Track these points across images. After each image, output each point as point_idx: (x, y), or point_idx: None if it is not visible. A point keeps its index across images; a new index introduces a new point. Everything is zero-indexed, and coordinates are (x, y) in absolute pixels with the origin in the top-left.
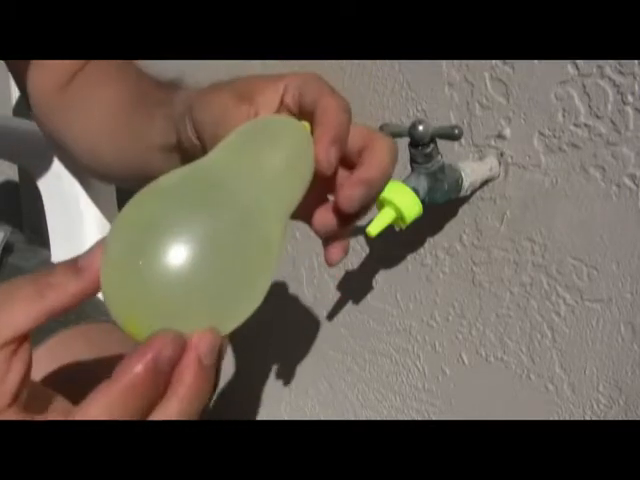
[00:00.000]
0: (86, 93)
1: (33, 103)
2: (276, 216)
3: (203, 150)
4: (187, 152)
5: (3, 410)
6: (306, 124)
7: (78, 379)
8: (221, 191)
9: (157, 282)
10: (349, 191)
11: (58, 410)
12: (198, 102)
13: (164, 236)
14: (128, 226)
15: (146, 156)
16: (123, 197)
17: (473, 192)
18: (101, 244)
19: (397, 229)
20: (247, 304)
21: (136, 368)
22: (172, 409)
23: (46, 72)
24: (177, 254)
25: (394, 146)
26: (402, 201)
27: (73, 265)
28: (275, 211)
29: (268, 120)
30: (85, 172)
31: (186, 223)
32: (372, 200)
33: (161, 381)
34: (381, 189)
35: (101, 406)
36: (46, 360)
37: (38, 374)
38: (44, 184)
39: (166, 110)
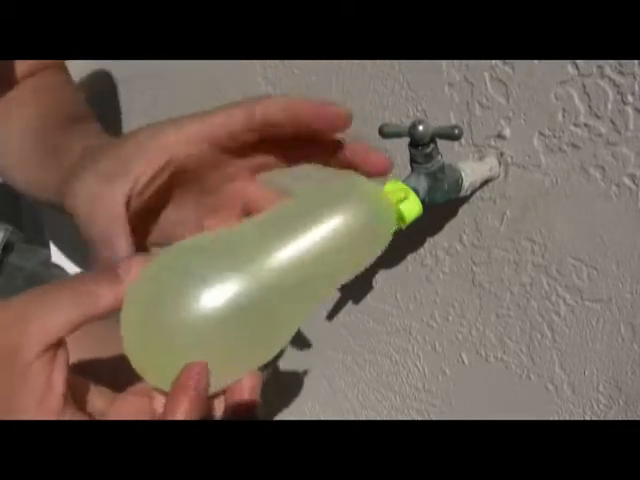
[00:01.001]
0: (13, 105)
1: None
2: (299, 298)
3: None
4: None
5: (60, 412)
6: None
7: (85, 376)
8: (251, 264)
9: (178, 337)
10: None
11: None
12: (68, 190)
13: (190, 297)
14: (155, 280)
15: (46, 190)
16: None
17: (473, 192)
18: (141, 258)
19: (397, 229)
20: (245, 367)
21: (183, 405)
22: None
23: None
24: (200, 315)
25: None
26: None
27: (112, 273)
28: (300, 295)
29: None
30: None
31: (212, 288)
32: None
33: (205, 410)
34: None
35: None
36: None
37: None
38: None
39: (59, 170)
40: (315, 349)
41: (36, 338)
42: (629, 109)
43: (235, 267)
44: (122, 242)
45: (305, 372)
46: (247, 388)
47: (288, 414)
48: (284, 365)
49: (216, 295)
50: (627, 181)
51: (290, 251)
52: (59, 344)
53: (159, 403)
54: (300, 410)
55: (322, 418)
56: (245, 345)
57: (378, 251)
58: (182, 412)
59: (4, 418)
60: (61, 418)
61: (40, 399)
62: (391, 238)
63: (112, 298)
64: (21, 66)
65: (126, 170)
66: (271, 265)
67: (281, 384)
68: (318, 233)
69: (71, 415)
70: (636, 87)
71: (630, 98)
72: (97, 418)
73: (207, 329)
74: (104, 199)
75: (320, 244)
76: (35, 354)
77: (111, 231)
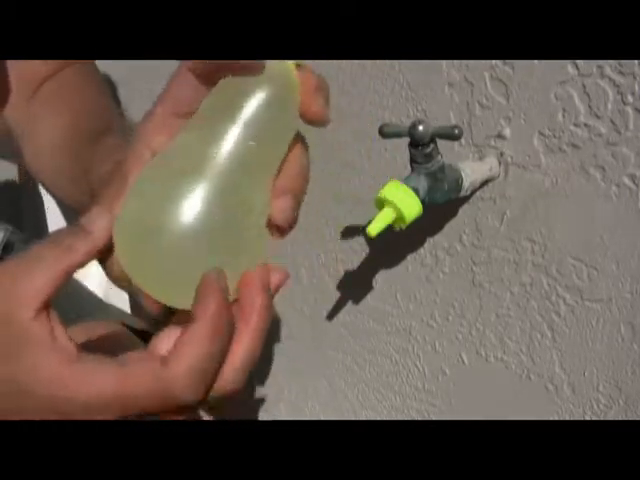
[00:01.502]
0: (38, 112)
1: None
2: (260, 177)
3: None
4: None
5: (76, 358)
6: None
7: None
8: (205, 160)
9: (171, 240)
10: (281, 204)
11: (146, 366)
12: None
13: (171, 203)
14: (138, 197)
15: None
16: None
17: (473, 192)
18: (99, 209)
19: (397, 229)
20: (245, 255)
21: (211, 308)
22: (246, 344)
23: (13, 81)
24: (184, 216)
25: (306, 149)
26: (402, 201)
27: (79, 227)
28: (259, 172)
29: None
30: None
31: (186, 192)
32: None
33: (231, 316)
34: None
35: (194, 352)
36: None
37: None
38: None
39: (109, 144)
40: (315, 349)
41: (29, 298)
42: (629, 109)
43: (195, 167)
44: None
45: (305, 372)
46: (258, 278)
47: (288, 414)
48: (284, 365)
49: (195, 193)
50: (627, 181)
51: (228, 133)
52: (49, 303)
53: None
54: (300, 410)
55: (322, 418)
56: (237, 232)
57: (295, 110)
58: (211, 315)
59: (14, 381)
60: (79, 363)
61: (50, 352)
62: (294, 96)
63: (85, 248)
64: (41, 66)
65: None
66: (221, 152)
67: (281, 384)
68: (242, 110)
69: (89, 360)
70: (636, 87)
71: (630, 98)
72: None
73: (199, 227)
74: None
75: (246, 120)
76: (32, 313)
77: None
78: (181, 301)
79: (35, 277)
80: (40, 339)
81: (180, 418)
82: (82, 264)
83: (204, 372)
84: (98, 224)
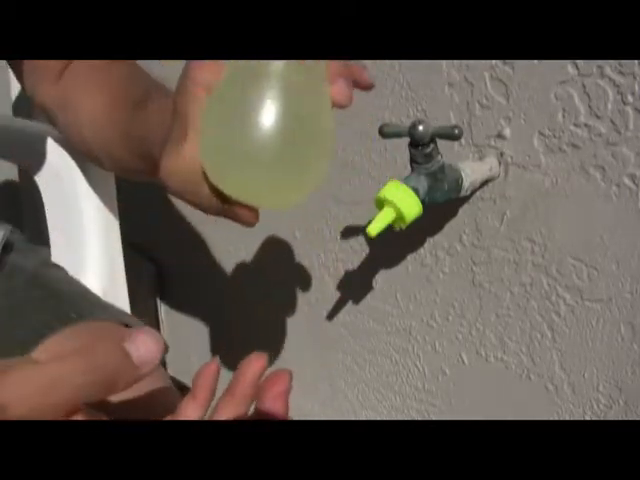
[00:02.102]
0: (74, 94)
1: (32, 99)
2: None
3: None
4: None
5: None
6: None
7: None
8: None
9: (254, 149)
10: (338, 87)
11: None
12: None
13: (247, 118)
14: (214, 124)
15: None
16: (123, 197)
17: (473, 192)
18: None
19: (397, 229)
20: (316, 162)
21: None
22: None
23: (38, 67)
24: (262, 127)
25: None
26: (402, 201)
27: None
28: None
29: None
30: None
31: (256, 107)
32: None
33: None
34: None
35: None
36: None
37: None
38: (44, 184)
39: (146, 140)
40: (315, 349)
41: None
42: (629, 109)
43: (255, 88)
44: None
45: (305, 372)
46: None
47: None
48: (284, 365)
49: (264, 107)
50: (627, 181)
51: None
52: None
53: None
54: (300, 410)
55: (322, 418)
56: (308, 130)
57: None
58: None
59: None
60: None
61: None
62: None
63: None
64: None
65: None
66: (273, 70)
67: None
68: None
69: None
70: (636, 87)
71: (630, 98)
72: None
73: (275, 132)
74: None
75: None
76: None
77: None
78: (273, 201)
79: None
80: None
81: None
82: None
83: None
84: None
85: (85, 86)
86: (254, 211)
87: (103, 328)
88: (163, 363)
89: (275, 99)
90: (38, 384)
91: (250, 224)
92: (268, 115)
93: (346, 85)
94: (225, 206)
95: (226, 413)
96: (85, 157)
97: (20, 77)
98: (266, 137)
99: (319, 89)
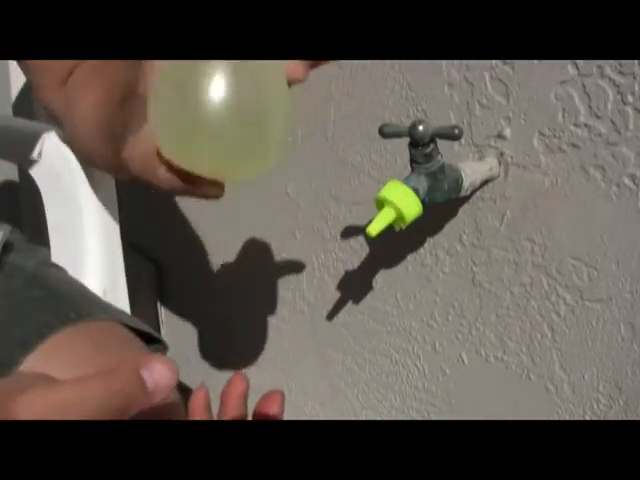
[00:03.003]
0: (69, 103)
1: (42, 103)
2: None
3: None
4: None
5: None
6: None
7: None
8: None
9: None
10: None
11: None
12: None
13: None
14: (168, 86)
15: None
16: (123, 197)
17: (473, 192)
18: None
19: (397, 229)
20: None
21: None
22: None
23: (45, 73)
24: (215, 93)
25: None
26: (402, 201)
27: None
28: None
29: None
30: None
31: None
32: None
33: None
34: None
35: None
36: (52, 357)
37: (43, 371)
38: (44, 184)
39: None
40: (315, 349)
41: None
42: (629, 109)
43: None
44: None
45: (305, 372)
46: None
47: (288, 414)
48: (284, 365)
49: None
50: (627, 181)
51: None
52: None
53: None
54: (300, 410)
55: (322, 418)
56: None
57: None
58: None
59: None
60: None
61: None
62: None
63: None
64: None
65: None
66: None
67: (281, 384)
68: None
69: None
70: (636, 87)
71: (630, 98)
72: None
73: (228, 98)
74: None
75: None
76: None
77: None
78: (227, 171)
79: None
80: None
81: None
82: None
83: None
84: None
85: (83, 87)
86: (217, 184)
87: (104, 329)
88: None
89: (223, 68)
90: (53, 405)
91: (216, 197)
92: (216, 85)
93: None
94: (185, 182)
95: None
96: (83, 160)
97: (30, 80)
98: (215, 106)
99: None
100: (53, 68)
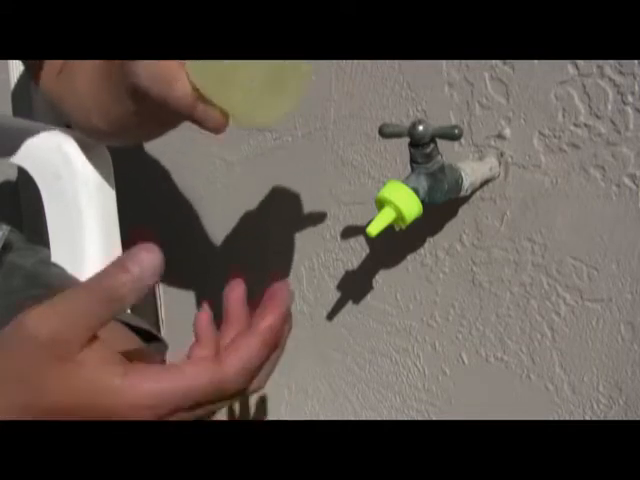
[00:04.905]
0: (68, 79)
1: (38, 78)
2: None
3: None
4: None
5: (125, 370)
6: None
7: None
8: None
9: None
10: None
11: (202, 366)
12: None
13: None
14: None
15: (128, 115)
16: (123, 197)
17: (473, 192)
18: (147, 246)
19: (397, 229)
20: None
21: (269, 320)
22: (281, 350)
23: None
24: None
25: None
26: (402, 201)
27: (120, 265)
28: None
29: None
30: (84, 134)
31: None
32: None
33: (284, 330)
34: None
35: (246, 357)
36: None
37: None
38: (44, 184)
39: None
40: (315, 349)
41: (75, 342)
42: (629, 109)
43: None
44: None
45: (305, 372)
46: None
47: (288, 414)
48: (284, 365)
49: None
50: (627, 181)
51: None
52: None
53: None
54: (300, 410)
55: (322, 418)
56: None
57: None
58: (268, 327)
59: (83, 408)
60: (127, 375)
61: (100, 370)
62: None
63: (127, 288)
64: None
65: None
66: None
67: (281, 384)
68: None
69: (137, 369)
70: (636, 87)
71: (630, 98)
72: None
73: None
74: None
75: None
76: (79, 347)
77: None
78: (245, 111)
79: (75, 327)
80: (86, 363)
81: (224, 404)
82: (126, 303)
83: (251, 372)
84: (140, 260)
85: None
86: (224, 116)
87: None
88: (162, 361)
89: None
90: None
91: (218, 130)
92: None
93: None
94: (199, 104)
95: (229, 335)
96: (94, 136)
97: (28, 70)
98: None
99: None
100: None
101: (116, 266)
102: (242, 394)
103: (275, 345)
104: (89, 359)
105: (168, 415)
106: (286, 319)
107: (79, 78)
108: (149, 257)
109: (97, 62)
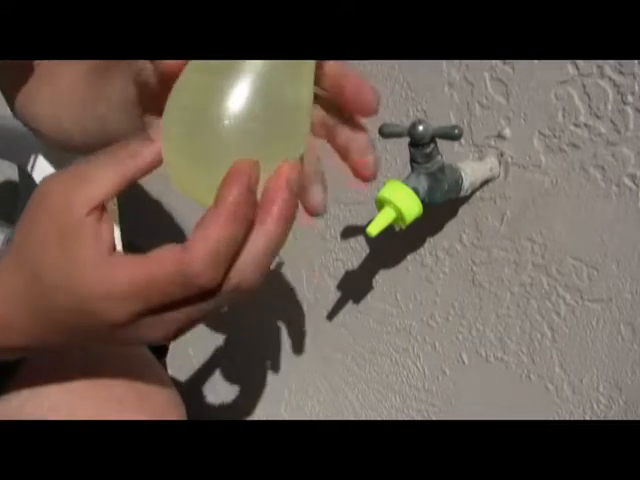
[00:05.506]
0: (49, 79)
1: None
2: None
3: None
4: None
5: (107, 256)
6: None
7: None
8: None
9: (215, 137)
10: (364, 159)
11: (167, 251)
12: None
13: (216, 102)
14: (180, 103)
15: (106, 118)
16: (123, 197)
17: (473, 192)
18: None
19: (397, 229)
20: (290, 147)
21: (233, 193)
22: (267, 233)
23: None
24: (231, 112)
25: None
26: (402, 201)
27: (144, 135)
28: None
29: None
30: (46, 142)
31: (229, 90)
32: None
33: (253, 204)
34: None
35: (212, 235)
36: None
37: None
38: None
39: (124, 65)
40: (315, 349)
41: (84, 199)
42: (629, 109)
43: (235, 69)
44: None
45: (305, 372)
46: (284, 173)
47: (288, 414)
48: (284, 365)
49: (236, 93)
50: (627, 181)
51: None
52: (104, 206)
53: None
54: (300, 410)
55: (322, 418)
56: (276, 133)
57: None
58: (233, 200)
59: (63, 269)
60: (112, 257)
61: (92, 247)
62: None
63: (148, 156)
64: None
65: None
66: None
67: (281, 384)
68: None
69: (121, 255)
70: (636, 87)
71: (630, 98)
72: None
73: (241, 127)
74: None
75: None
76: (86, 210)
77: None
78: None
79: (98, 178)
80: (88, 234)
81: (202, 306)
82: (146, 171)
83: (221, 254)
84: (150, 136)
85: (62, 65)
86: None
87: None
88: (164, 364)
89: (243, 89)
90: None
91: None
92: (232, 106)
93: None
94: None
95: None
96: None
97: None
98: (228, 135)
99: (299, 82)
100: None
101: (141, 136)
102: (219, 288)
103: (248, 223)
104: (85, 236)
105: (140, 314)
106: (287, 199)
107: (64, 78)
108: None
109: (83, 79)
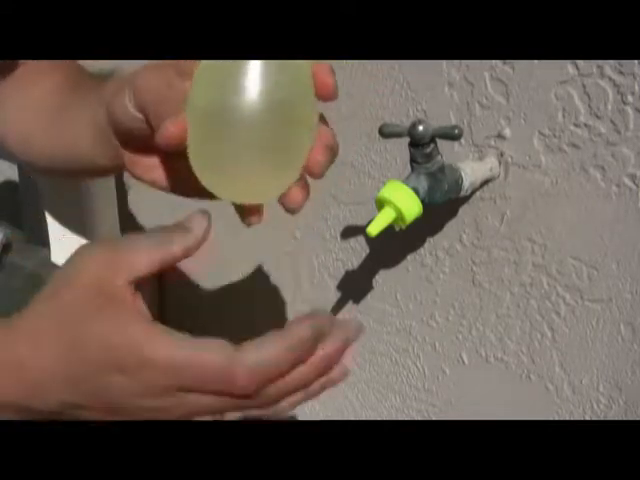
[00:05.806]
0: (21, 85)
1: None
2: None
3: (144, 121)
4: (121, 128)
5: (149, 322)
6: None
7: None
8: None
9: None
10: (318, 157)
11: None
12: (140, 74)
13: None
14: (202, 110)
15: (76, 143)
16: (122, 197)
17: (473, 192)
18: (204, 214)
19: (397, 229)
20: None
21: (304, 331)
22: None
23: None
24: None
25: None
26: (402, 201)
27: (183, 226)
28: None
29: None
30: (16, 160)
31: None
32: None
33: (312, 350)
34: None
35: (266, 353)
36: None
37: None
38: (44, 184)
39: (96, 94)
40: None
41: (126, 270)
42: (629, 109)
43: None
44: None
45: None
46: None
47: (288, 414)
48: None
49: (248, 92)
50: (627, 181)
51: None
52: (142, 281)
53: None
54: (300, 410)
55: (322, 418)
56: (290, 125)
57: None
58: (298, 340)
59: (93, 338)
60: (155, 326)
61: (131, 314)
62: None
63: (183, 245)
64: None
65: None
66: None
67: None
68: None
69: (164, 328)
70: (636, 87)
71: (630, 98)
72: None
73: (256, 123)
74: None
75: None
76: (124, 282)
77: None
78: (252, 196)
79: (136, 255)
80: (124, 302)
81: (227, 403)
82: (178, 258)
83: (267, 372)
84: (197, 222)
85: (40, 73)
86: (256, 212)
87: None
88: None
89: (252, 92)
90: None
91: (250, 224)
92: (248, 110)
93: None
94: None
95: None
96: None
97: None
98: (246, 135)
99: (300, 81)
100: None
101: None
102: (251, 403)
103: (304, 361)
104: (127, 304)
105: (174, 389)
106: (337, 345)
107: (34, 92)
108: (205, 220)
109: (64, 70)
